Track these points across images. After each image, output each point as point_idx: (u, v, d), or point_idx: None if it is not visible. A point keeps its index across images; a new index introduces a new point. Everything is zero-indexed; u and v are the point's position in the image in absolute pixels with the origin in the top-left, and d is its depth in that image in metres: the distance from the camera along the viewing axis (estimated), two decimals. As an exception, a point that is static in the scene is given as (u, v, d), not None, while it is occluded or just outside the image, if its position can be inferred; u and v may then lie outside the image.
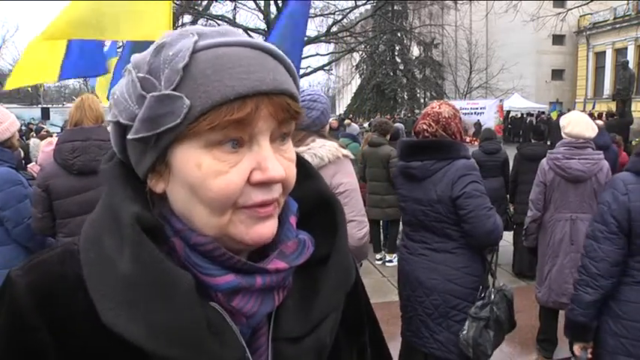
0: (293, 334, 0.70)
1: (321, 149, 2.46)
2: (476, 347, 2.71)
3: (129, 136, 0.62)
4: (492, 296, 2.80)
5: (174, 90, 0.60)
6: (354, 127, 8.69)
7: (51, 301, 0.63)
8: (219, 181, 0.61)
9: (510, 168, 6.65)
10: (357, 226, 2.51)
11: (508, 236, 6.97)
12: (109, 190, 0.68)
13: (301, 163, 0.75)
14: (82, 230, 0.68)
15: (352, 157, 2.63)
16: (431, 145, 2.86)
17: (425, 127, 2.88)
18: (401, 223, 3.62)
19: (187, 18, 19.26)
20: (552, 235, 4.03)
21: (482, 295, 2.80)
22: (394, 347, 4.49)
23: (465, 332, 2.73)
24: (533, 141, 6.46)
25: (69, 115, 3.10)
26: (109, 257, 0.62)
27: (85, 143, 2.89)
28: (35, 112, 28.27)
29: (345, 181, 2.50)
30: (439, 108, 2.91)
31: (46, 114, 27.02)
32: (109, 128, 0.68)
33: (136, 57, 0.65)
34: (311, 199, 0.77)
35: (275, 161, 0.64)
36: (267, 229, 0.65)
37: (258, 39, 0.69)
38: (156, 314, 0.58)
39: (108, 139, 0.75)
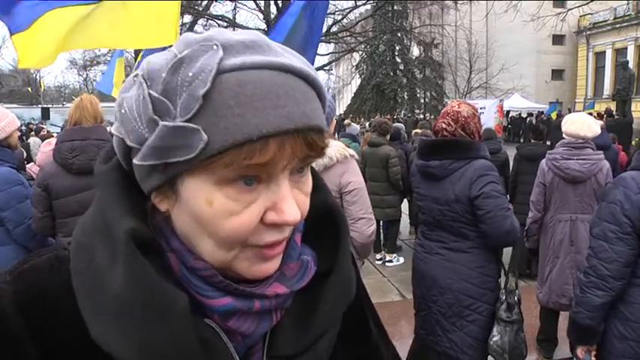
0: (289, 352, 0.66)
1: (330, 149, 2.51)
2: (512, 351, 2.71)
3: (135, 161, 0.56)
4: (516, 297, 2.80)
5: (190, 120, 0.52)
6: (354, 127, 8.67)
7: (37, 312, 0.59)
8: (231, 221, 0.56)
9: (510, 168, 6.66)
10: (367, 224, 2.64)
11: (508, 236, 6.98)
12: (103, 196, 0.63)
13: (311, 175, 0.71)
14: (73, 235, 0.64)
15: (357, 157, 2.72)
16: (449, 144, 2.84)
17: (444, 126, 2.86)
18: (408, 222, 3.65)
19: (187, 18, 19.24)
20: (553, 236, 4.03)
21: (504, 297, 2.79)
22: (395, 346, 4.50)
23: (496, 338, 2.71)
24: (532, 141, 6.45)
25: (68, 114, 3.10)
26: (100, 270, 0.58)
27: (83, 142, 2.89)
28: (35, 112, 28.31)
29: (353, 179, 2.61)
30: (458, 107, 2.89)
31: (46, 114, 27.03)
32: (110, 129, 0.64)
33: (150, 65, 0.56)
34: (317, 211, 0.72)
35: (292, 204, 0.58)
36: (272, 266, 0.62)
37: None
38: (148, 334, 0.55)
39: (107, 139, 0.70)
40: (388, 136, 6.93)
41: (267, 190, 0.58)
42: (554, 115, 27.18)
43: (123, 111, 0.56)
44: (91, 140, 2.90)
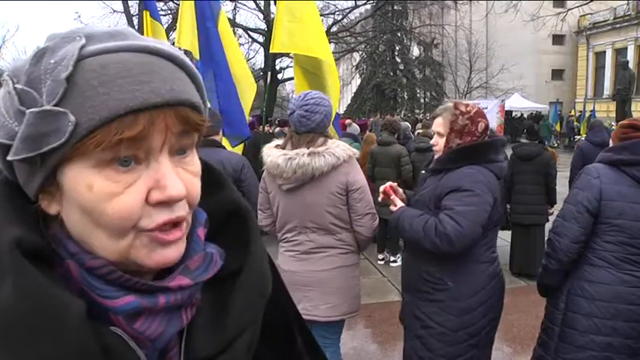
0: (205, 353, 0.64)
1: (337, 149, 2.68)
2: None
3: (9, 157, 0.55)
4: None
5: (57, 104, 0.52)
6: (355, 127, 8.69)
7: None
8: (113, 203, 0.55)
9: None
10: (372, 218, 2.85)
11: (506, 236, 6.99)
12: None
13: (210, 172, 0.70)
14: None
15: (357, 156, 2.86)
16: None
17: None
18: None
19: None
20: None
21: None
22: (395, 347, 4.52)
23: None
24: (526, 141, 6.46)
25: None
26: None
27: None
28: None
29: (358, 178, 2.78)
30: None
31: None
32: None
33: (15, 63, 0.57)
34: (222, 209, 0.72)
35: (175, 178, 0.58)
36: (173, 252, 0.60)
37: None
38: (40, 347, 0.51)
39: None
40: (396, 135, 6.96)
41: (148, 169, 0.58)
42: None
43: None
44: None
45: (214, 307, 0.67)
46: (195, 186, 0.62)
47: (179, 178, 0.59)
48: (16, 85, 0.54)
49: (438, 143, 2.64)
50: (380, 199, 2.75)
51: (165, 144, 0.58)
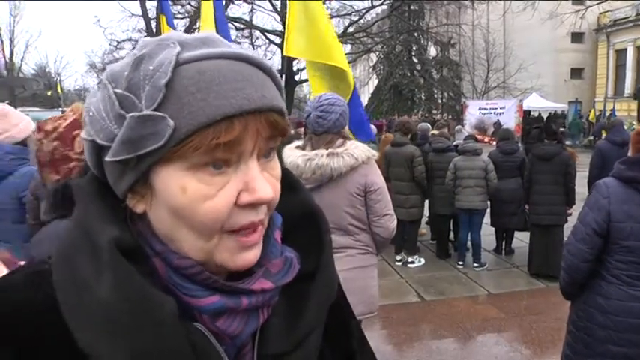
0: (278, 351, 0.68)
1: (356, 150, 2.72)
2: None
3: (107, 158, 0.58)
4: None
5: (156, 109, 0.55)
6: (372, 129, 8.70)
7: (16, 329, 0.58)
8: (206, 205, 0.58)
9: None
10: (390, 219, 2.89)
11: (525, 236, 6.96)
12: (82, 207, 0.64)
13: (284, 174, 0.71)
14: (54, 249, 0.64)
15: (376, 157, 2.88)
16: None
17: None
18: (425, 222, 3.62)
19: (205, 21, 19.37)
20: None
21: None
22: (412, 348, 4.53)
23: None
24: (545, 141, 6.41)
25: None
26: (85, 281, 0.58)
27: None
28: (56, 115, 28.73)
29: (377, 180, 2.82)
30: None
31: (66, 117, 27.38)
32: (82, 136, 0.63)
33: (112, 68, 0.60)
34: (295, 212, 0.75)
35: (263, 181, 0.61)
36: (252, 255, 0.63)
37: (248, 50, 0.63)
38: (138, 341, 0.55)
39: None
40: (409, 136, 6.97)
41: (238, 171, 0.60)
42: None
43: (91, 114, 0.59)
44: None
45: (289, 307, 0.70)
46: (278, 189, 0.65)
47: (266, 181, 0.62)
48: (116, 90, 0.57)
49: None
50: None
51: (255, 148, 0.60)
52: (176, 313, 0.58)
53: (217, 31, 5.24)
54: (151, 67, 0.56)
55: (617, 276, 2.40)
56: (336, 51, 4.24)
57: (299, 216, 0.75)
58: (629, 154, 2.74)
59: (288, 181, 0.74)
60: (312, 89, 4.38)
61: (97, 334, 0.56)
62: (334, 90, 3.81)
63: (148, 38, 0.62)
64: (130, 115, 0.56)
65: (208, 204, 0.58)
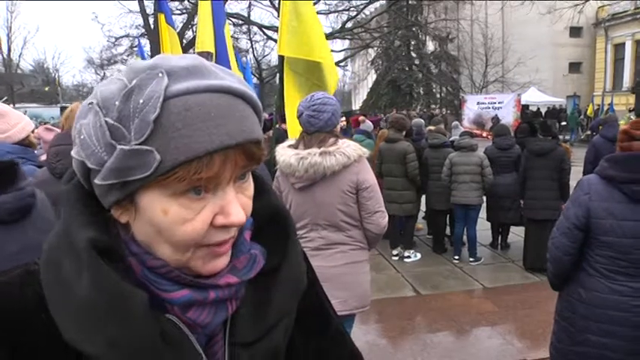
0: (247, 339, 0.75)
1: (347, 148, 2.76)
2: None
3: (96, 181, 0.63)
4: None
5: (144, 142, 0.60)
6: (369, 124, 8.67)
7: (11, 324, 0.65)
8: (185, 227, 0.65)
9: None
10: (382, 216, 2.93)
11: (520, 231, 7.01)
12: (66, 213, 0.70)
13: (254, 178, 0.76)
14: (42, 250, 0.70)
15: (368, 155, 2.93)
16: None
17: None
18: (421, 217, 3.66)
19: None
20: None
21: None
22: (406, 342, 4.58)
23: None
24: (540, 137, 6.44)
25: (60, 121, 3.20)
26: (67, 280, 0.64)
27: (67, 147, 2.91)
28: (55, 111, 28.69)
29: (368, 177, 2.86)
30: None
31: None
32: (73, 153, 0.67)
33: (102, 93, 0.63)
34: (264, 212, 0.82)
35: (237, 207, 0.67)
36: (221, 263, 0.70)
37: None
38: (113, 331, 0.62)
39: None
40: (404, 132, 6.98)
41: (215, 197, 0.66)
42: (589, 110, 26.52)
43: (82, 137, 0.63)
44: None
45: (256, 299, 0.77)
46: (249, 207, 0.72)
47: (239, 203, 0.68)
48: (107, 119, 0.61)
49: None
50: None
51: (232, 176, 0.67)
52: (147, 304, 0.64)
53: (215, 33, 5.25)
54: (140, 101, 0.60)
55: (597, 269, 2.48)
56: (325, 49, 4.39)
57: (267, 215, 0.82)
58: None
59: (258, 184, 0.79)
60: (286, 86, 4.44)
61: (78, 325, 0.63)
62: (314, 87, 3.93)
63: (138, 62, 0.66)
64: (120, 147, 0.60)
65: (187, 225, 0.65)
